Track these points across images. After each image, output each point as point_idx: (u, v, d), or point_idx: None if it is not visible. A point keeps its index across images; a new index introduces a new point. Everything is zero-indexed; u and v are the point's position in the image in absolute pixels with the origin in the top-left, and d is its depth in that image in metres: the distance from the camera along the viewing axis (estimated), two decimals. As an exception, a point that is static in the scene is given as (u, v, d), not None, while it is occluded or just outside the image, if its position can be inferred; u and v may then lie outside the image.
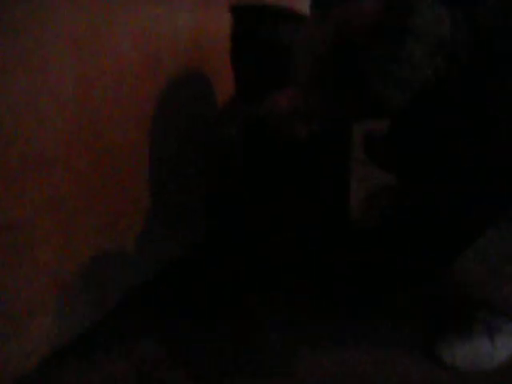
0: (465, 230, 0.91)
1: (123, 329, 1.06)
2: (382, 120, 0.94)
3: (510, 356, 0.96)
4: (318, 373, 0.96)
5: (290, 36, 1.03)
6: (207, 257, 1.30)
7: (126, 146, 1.06)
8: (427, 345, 1.00)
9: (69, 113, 0.89)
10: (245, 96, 1.14)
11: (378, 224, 1.18)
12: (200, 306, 1.13)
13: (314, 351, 1.00)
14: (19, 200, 0.84)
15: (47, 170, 0.88)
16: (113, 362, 0.97)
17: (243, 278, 1.20)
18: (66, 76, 0.87)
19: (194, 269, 1.26)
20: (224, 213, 1.33)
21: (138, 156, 1.11)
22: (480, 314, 0.99)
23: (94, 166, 0.98)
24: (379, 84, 0.69)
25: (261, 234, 1.22)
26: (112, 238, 1.08)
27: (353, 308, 1.12)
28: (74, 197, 0.95)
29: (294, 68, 0.79)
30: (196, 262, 1.29)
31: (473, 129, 0.77)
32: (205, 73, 1.29)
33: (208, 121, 1.34)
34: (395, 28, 0.67)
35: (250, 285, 1.18)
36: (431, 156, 0.85)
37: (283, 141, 1.02)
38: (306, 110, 0.96)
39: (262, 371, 0.96)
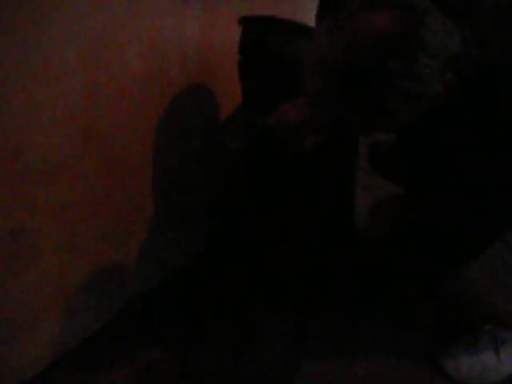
0: (470, 243, 0.91)
1: (126, 336, 1.06)
2: (388, 134, 0.94)
3: (515, 369, 0.95)
4: (319, 378, 0.96)
5: (298, 48, 1.03)
6: (211, 266, 1.30)
7: (131, 153, 1.07)
8: (430, 354, 1.00)
9: (76, 120, 0.90)
10: (252, 107, 1.15)
11: (383, 234, 1.18)
12: (202, 314, 1.13)
13: (314, 356, 1.01)
14: (25, 206, 0.84)
15: (53, 176, 0.88)
16: (116, 368, 0.97)
17: (246, 288, 1.20)
18: (74, 84, 0.88)
19: (198, 278, 1.26)
20: (228, 223, 1.33)
21: (143, 164, 1.12)
22: (485, 326, 0.98)
23: (99, 174, 0.99)
24: (390, 99, 0.69)
25: (266, 245, 1.22)
26: (116, 245, 1.09)
27: (353, 310, 1.12)
28: (79, 204, 0.95)
29: (304, 80, 0.78)
30: (199, 271, 1.29)
31: (480, 144, 0.77)
32: (211, 83, 1.29)
33: (213, 131, 1.35)
34: (407, 43, 0.67)
35: (253, 294, 1.18)
36: (438, 170, 0.84)
37: (290, 151, 1.03)
38: (314, 121, 0.97)
39: (263, 379, 0.96)
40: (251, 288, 1.19)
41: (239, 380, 0.96)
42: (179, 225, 1.29)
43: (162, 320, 1.11)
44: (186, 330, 1.07)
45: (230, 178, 1.27)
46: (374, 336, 1.05)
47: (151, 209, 1.17)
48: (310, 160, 1.09)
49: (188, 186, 1.30)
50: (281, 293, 1.18)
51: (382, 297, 1.14)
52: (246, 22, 1.13)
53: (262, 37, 1.09)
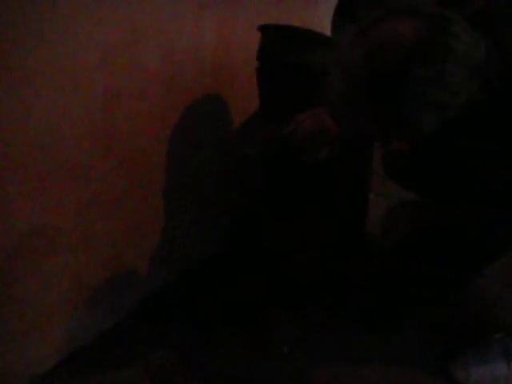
0: (489, 251, 0.91)
1: (139, 334, 1.07)
2: (410, 143, 0.92)
3: (526, 379, 0.94)
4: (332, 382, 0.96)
5: (317, 58, 1.02)
6: (225, 271, 1.30)
7: (148, 156, 1.08)
8: (441, 362, 0.99)
9: (96, 122, 0.92)
10: (269, 114, 1.15)
11: (397, 240, 1.17)
12: (215, 318, 1.13)
13: (328, 364, 1.00)
14: (45, 206, 0.86)
15: (72, 177, 0.90)
16: (126, 367, 0.98)
17: (261, 295, 1.19)
18: (95, 88, 0.90)
19: (210, 282, 1.26)
20: (245, 229, 1.33)
21: (160, 167, 1.13)
22: (497, 335, 0.97)
23: (116, 176, 1.00)
24: (416, 108, 0.68)
25: (282, 252, 1.22)
26: (130, 245, 1.10)
27: (367, 319, 1.11)
28: (96, 204, 0.97)
29: (324, 88, 0.77)
30: (212, 276, 1.29)
31: (503, 152, 0.76)
32: (227, 89, 1.30)
33: (229, 137, 1.36)
34: (434, 51, 0.66)
35: (268, 301, 1.17)
36: (461, 179, 0.84)
37: (305, 161, 1.03)
38: (332, 131, 0.96)
39: (275, 382, 0.96)
40: (266, 295, 1.19)
41: (251, 380, 0.96)
42: (192, 228, 1.30)
43: (173, 321, 1.11)
44: (197, 333, 1.08)
45: (245, 185, 1.27)
46: (386, 342, 1.05)
47: (166, 211, 1.18)
48: (326, 168, 1.09)
49: (202, 191, 1.31)
50: (296, 300, 1.17)
51: (395, 306, 1.14)
52: (266, 30, 1.13)
53: (282, 45, 1.08)
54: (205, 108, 1.23)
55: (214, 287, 1.24)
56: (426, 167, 0.90)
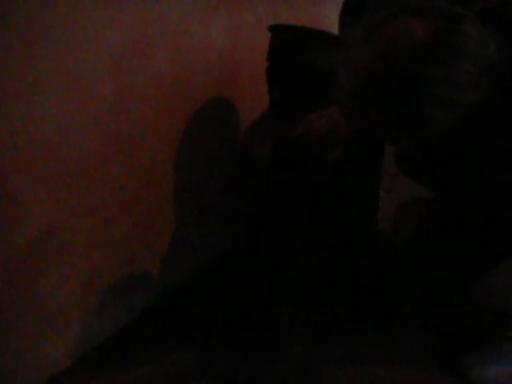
0: (496, 252, 0.90)
1: (152, 333, 1.08)
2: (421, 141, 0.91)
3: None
4: (340, 380, 0.96)
5: (327, 58, 1.02)
6: (235, 272, 1.31)
7: (158, 158, 1.09)
8: (453, 360, 0.98)
9: (107, 124, 0.93)
10: (278, 115, 1.15)
11: (407, 237, 1.17)
12: (225, 318, 1.13)
13: (334, 364, 1.00)
14: (59, 207, 0.87)
15: (84, 179, 0.91)
16: (140, 366, 0.98)
17: (269, 296, 1.19)
18: (105, 90, 0.91)
19: (221, 283, 1.27)
20: (254, 230, 1.33)
21: (170, 168, 1.14)
22: (510, 333, 0.97)
23: (128, 177, 1.01)
24: (426, 106, 0.67)
25: (289, 254, 1.22)
26: (142, 246, 1.11)
27: (377, 320, 1.11)
28: (108, 205, 0.98)
29: (334, 89, 0.77)
30: (223, 276, 1.30)
31: (510, 150, 0.76)
32: (235, 89, 1.30)
33: (238, 137, 1.36)
34: (445, 49, 0.65)
35: (276, 303, 1.17)
36: (468, 179, 0.83)
37: (314, 162, 1.02)
38: (341, 131, 0.96)
39: (281, 382, 0.96)
40: (273, 296, 1.19)
41: (264, 381, 0.96)
42: (203, 228, 1.31)
43: (184, 321, 1.12)
44: (207, 332, 1.08)
45: (254, 186, 1.27)
46: (399, 340, 1.05)
47: (177, 212, 1.19)
48: (334, 170, 1.08)
49: (212, 191, 1.31)
50: (302, 301, 1.17)
51: (401, 306, 1.13)
52: (276, 31, 1.13)
53: (292, 46, 1.08)
54: (213, 108, 1.23)
55: (227, 286, 1.24)
56: (435, 165, 0.89)
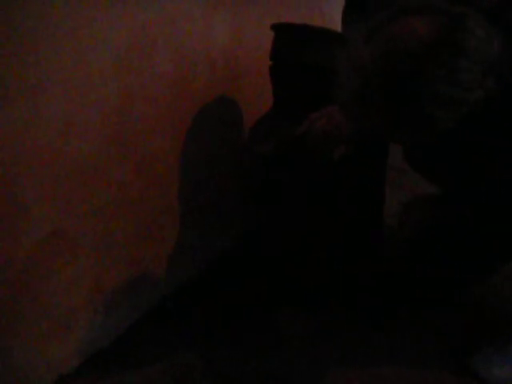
0: (497, 251, 0.90)
1: (159, 333, 1.08)
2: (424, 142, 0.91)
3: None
4: (345, 379, 0.96)
5: (330, 56, 1.01)
6: (239, 272, 1.31)
7: (162, 157, 1.09)
8: (457, 356, 0.98)
9: (111, 124, 0.93)
10: (282, 113, 1.14)
11: (411, 234, 1.16)
12: (230, 317, 1.14)
13: (334, 364, 1.00)
14: (64, 210, 0.87)
15: (89, 180, 0.91)
16: (147, 367, 0.99)
17: (270, 296, 1.20)
18: (109, 91, 0.91)
19: (226, 282, 1.27)
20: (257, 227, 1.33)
21: (174, 168, 1.14)
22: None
23: (132, 177, 1.01)
24: (430, 105, 0.66)
25: (289, 254, 1.21)
26: (148, 246, 1.11)
27: (377, 320, 1.11)
28: (114, 206, 0.98)
29: (337, 87, 0.76)
30: (228, 276, 1.30)
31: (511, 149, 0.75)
32: (238, 87, 1.30)
33: (241, 135, 1.36)
34: (448, 48, 0.65)
35: (277, 303, 1.18)
36: (468, 178, 0.83)
37: (318, 160, 1.02)
38: (345, 130, 0.96)
39: (282, 381, 0.96)
40: (273, 296, 1.19)
41: (265, 381, 0.96)
42: (203, 228, 1.31)
43: (190, 320, 1.12)
44: (207, 332, 1.08)
45: (254, 185, 1.27)
46: (399, 340, 1.05)
47: (182, 212, 1.19)
48: (335, 170, 1.08)
49: (216, 190, 1.31)
50: (302, 301, 1.17)
51: (403, 306, 1.13)
52: (279, 29, 1.13)
53: (294, 45, 1.08)
54: (216, 108, 1.23)
55: (231, 286, 1.24)
56: (435, 162, 0.89)
